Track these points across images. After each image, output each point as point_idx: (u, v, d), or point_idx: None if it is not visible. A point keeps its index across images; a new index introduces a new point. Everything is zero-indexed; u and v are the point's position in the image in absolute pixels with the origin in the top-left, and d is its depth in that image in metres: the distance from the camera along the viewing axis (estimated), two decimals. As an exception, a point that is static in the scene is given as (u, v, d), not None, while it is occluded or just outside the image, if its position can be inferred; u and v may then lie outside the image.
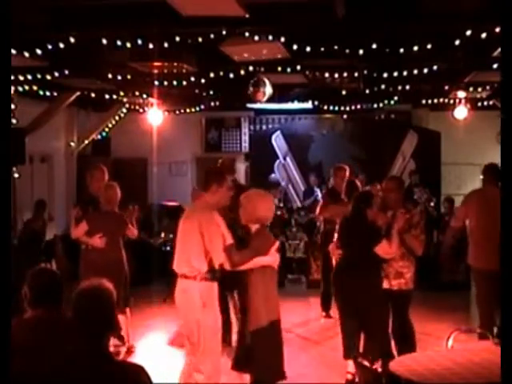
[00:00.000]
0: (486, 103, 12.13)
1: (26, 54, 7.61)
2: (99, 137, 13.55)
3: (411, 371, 3.77)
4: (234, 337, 7.16)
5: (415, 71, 8.89)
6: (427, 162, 12.96)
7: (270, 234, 5.13)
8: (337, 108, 12.65)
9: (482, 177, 7.08)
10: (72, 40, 6.88)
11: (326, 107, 12.58)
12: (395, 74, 9.09)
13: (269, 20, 6.50)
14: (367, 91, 10.65)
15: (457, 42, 7.00)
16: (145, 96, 11.52)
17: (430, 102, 12.24)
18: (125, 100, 12.13)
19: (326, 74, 9.31)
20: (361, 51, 7.54)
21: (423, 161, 12.96)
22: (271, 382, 4.99)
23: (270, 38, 6.96)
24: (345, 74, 9.30)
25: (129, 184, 9.03)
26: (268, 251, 4.93)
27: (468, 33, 6.60)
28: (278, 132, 13.69)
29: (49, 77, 9.13)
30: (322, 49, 7.43)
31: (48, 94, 10.67)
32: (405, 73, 9.03)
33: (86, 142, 13.24)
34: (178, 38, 6.91)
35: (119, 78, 9.47)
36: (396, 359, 4.68)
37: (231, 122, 14.47)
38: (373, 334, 5.81)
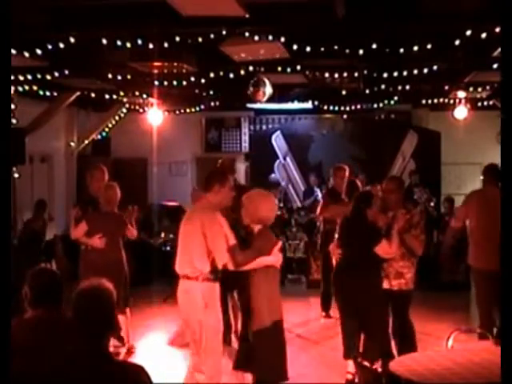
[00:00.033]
0: (486, 103, 12.13)
1: (26, 54, 7.60)
2: (99, 137, 13.55)
3: (411, 371, 3.77)
4: (234, 337, 7.21)
5: (415, 71, 8.89)
6: (427, 162, 12.96)
7: (272, 234, 5.13)
8: (337, 108, 12.65)
9: (482, 177, 7.09)
10: (72, 40, 6.88)
11: (326, 107, 12.58)
12: (395, 74, 9.09)
13: (269, 20, 6.50)
14: (367, 91, 10.65)
15: (457, 42, 7.00)
16: (145, 96, 11.52)
17: (430, 101, 12.24)
18: (125, 100, 12.13)
19: (326, 74, 9.31)
20: (361, 51, 7.54)
21: (423, 161, 12.96)
22: (274, 383, 4.99)
23: (270, 38, 6.96)
24: (345, 74, 9.30)
25: (129, 184, 9.03)
26: (271, 251, 4.93)
27: (468, 33, 6.60)
28: (278, 132, 13.69)
29: (49, 77, 9.13)
30: (322, 49, 7.43)
31: (48, 93, 10.67)
32: (405, 73, 9.03)
33: (86, 142, 13.24)
34: (178, 38, 6.91)
35: (119, 78, 9.47)
36: (396, 359, 4.68)
37: (231, 122, 14.47)
38: (373, 333, 5.81)
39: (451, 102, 11.91)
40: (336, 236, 6.24)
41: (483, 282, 6.52)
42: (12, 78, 8.87)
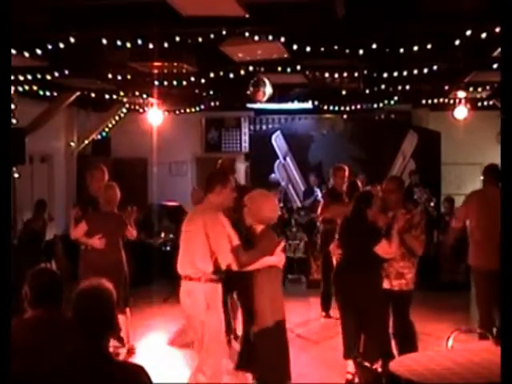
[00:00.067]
0: (486, 103, 12.13)
1: (26, 54, 7.60)
2: (99, 137, 13.55)
3: (411, 371, 3.77)
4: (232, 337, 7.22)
5: (415, 71, 8.89)
6: (427, 162, 12.95)
7: (274, 235, 5.14)
8: (337, 108, 12.64)
9: (482, 177, 7.09)
10: (72, 40, 6.87)
11: (326, 107, 12.57)
12: (395, 74, 9.09)
13: (269, 20, 6.49)
14: (367, 91, 10.64)
15: (457, 42, 7.00)
16: (145, 96, 11.51)
17: (430, 101, 12.23)
18: (125, 100, 12.12)
19: (326, 74, 9.30)
20: (361, 51, 7.54)
21: (423, 161, 12.96)
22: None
23: (270, 38, 6.96)
24: (345, 74, 9.29)
25: (129, 184, 9.03)
26: (274, 251, 4.93)
27: (468, 33, 6.60)
28: (278, 132, 13.68)
29: (49, 77, 9.13)
30: (322, 49, 7.43)
31: (48, 93, 10.67)
32: (405, 73, 9.02)
33: (86, 142, 13.23)
34: (178, 38, 6.91)
35: (119, 78, 9.47)
36: (396, 359, 4.68)
37: (231, 122, 14.46)
38: (372, 333, 5.81)
39: (451, 101, 11.91)
40: (336, 236, 6.25)
41: (483, 281, 6.52)
42: (12, 77, 8.87)
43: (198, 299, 5.01)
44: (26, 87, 9.91)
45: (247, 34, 6.81)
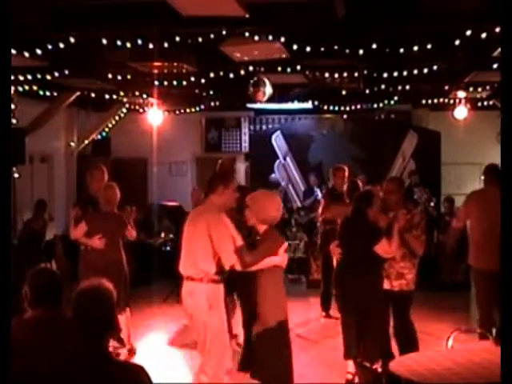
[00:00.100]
0: (486, 103, 12.13)
1: (26, 54, 7.60)
2: (99, 137, 13.55)
3: (411, 371, 3.77)
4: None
5: (415, 71, 8.88)
6: (427, 162, 12.95)
7: (278, 235, 5.14)
8: (337, 108, 12.64)
9: (482, 177, 7.09)
10: (72, 40, 6.87)
11: (326, 107, 12.57)
12: (395, 74, 9.09)
13: (269, 20, 6.49)
14: (367, 91, 10.64)
15: (457, 42, 6.99)
16: (145, 96, 11.51)
17: (430, 101, 12.23)
18: (125, 100, 12.12)
19: (326, 74, 9.30)
20: (361, 51, 7.54)
21: (423, 161, 12.96)
22: None
23: (270, 38, 6.96)
24: (345, 74, 9.29)
25: (129, 184, 9.03)
26: (277, 252, 4.93)
27: (468, 33, 6.60)
28: (278, 132, 13.68)
29: (49, 77, 9.13)
30: (322, 49, 7.42)
31: (48, 93, 10.67)
32: (405, 73, 9.02)
33: (86, 142, 13.23)
34: (178, 38, 6.90)
35: (119, 77, 9.47)
36: (396, 359, 4.68)
37: (231, 122, 14.46)
38: (373, 333, 5.80)
39: (451, 101, 11.91)
40: (337, 236, 6.25)
41: (483, 281, 6.52)
42: (12, 77, 8.87)
43: (200, 300, 5.01)
44: (26, 87, 9.91)
45: (247, 34, 6.81)
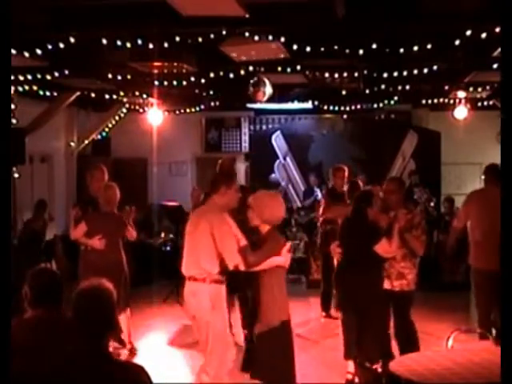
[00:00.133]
0: (486, 103, 12.13)
1: (26, 54, 7.60)
2: (99, 137, 13.55)
3: (411, 371, 3.77)
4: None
5: (415, 71, 8.88)
6: (427, 162, 12.96)
7: (280, 235, 5.14)
8: (337, 108, 12.64)
9: (483, 177, 7.09)
10: (72, 40, 6.87)
11: (326, 107, 12.57)
12: (395, 74, 9.09)
13: (269, 20, 6.49)
14: (367, 91, 10.64)
15: (457, 42, 6.99)
16: (145, 96, 11.51)
17: (430, 101, 12.23)
18: (125, 100, 12.12)
19: (326, 74, 9.30)
20: (361, 51, 7.54)
21: (423, 161, 12.96)
22: None
23: (270, 38, 6.96)
24: (345, 74, 9.29)
25: (129, 184, 9.03)
26: (280, 252, 4.94)
27: (468, 33, 6.59)
28: (278, 132, 13.68)
29: (49, 77, 9.13)
30: (322, 49, 7.42)
31: (48, 93, 10.67)
32: (405, 73, 9.02)
33: (86, 142, 13.23)
34: (178, 38, 6.90)
35: (119, 78, 9.47)
36: (396, 359, 4.68)
37: (231, 122, 14.46)
38: (373, 333, 5.79)
39: (451, 101, 11.91)
40: (337, 236, 6.25)
41: (483, 281, 6.53)
42: (12, 77, 8.87)
43: (203, 300, 5.01)
44: (26, 87, 9.90)
45: (247, 34, 6.81)
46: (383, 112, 13.44)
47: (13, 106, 9.55)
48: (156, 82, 9.72)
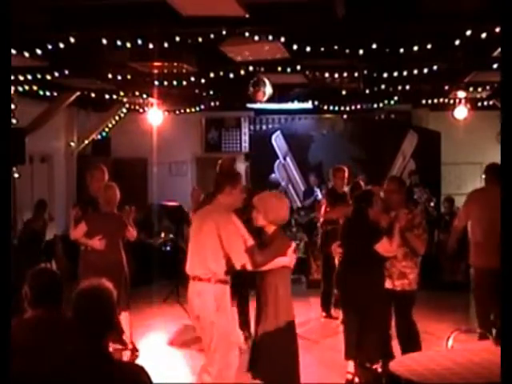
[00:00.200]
0: (486, 103, 12.13)
1: (26, 54, 7.60)
2: (99, 137, 13.54)
3: (411, 371, 3.77)
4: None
5: (415, 71, 8.88)
6: (427, 162, 12.95)
7: (285, 235, 5.14)
8: (337, 108, 12.64)
9: (483, 176, 7.10)
10: (72, 40, 6.87)
11: (326, 107, 12.57)
12: (395, 74, 9.09)
13: (269, 20, 6.49)
14: (367, 91, 10.64)
15: (457, 42, 6.99)
16: (145, 96, 11.51)
17: (430, 101, 12.23)
18: (125, 100, 12.12)
19: (326, 74, 9.30)
20: (361, 51, 7.54)
21: (423, 161, 12.95)
22: None
23: (270, 38, 6.95)
24: (345, 74, 9.29)
25: (129, 184, 9.03)
26: (286, 252, 4.93)
27: (468, 33, 6.60)
28: (278, 132, 13.68)
29: (49, 77, 9.13)
30: (322, 49, 7.42)
31: (48, 93, 10.67)
32: (405, 73, 9.02)
33: (86, 142, 13.23)
34: (178, 38, 6.90)
35: (119, 78, 9.47)
36: (396, 359, 4.68)
37: (231, 122, 14.46)
38: (373, 333, 5.78)
39: (451, 101, 11.91)
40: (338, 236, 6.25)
41: (483, 280, 6.53)
42: (12, 77, 8.87)
43: (208, 300, 4.99)
44: (26, 87, 9.90)
45: (247, 34, 6.81)
46: (383, 112, 13.44)
47: (13, 106, 9.55)
48: (156, 82, 9.72)
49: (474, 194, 6.98)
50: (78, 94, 11.20)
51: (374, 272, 5.81)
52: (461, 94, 11.18)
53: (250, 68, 8.74)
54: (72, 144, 13.04)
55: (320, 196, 11.57)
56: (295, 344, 4.96)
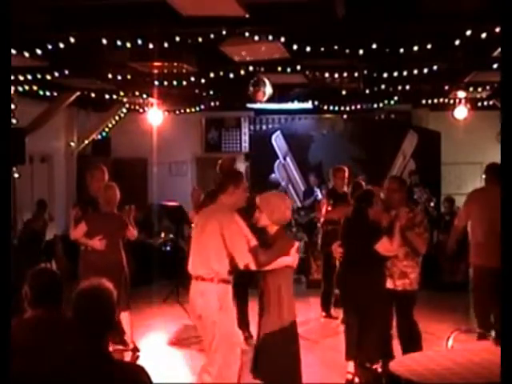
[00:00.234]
0: (486, 103, 12.13)
1: (26, 54, 7.60)
2: (99, 137, 13.55)
3: (411, 371, 3.77)
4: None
5: (415, 71, 8.89)
6: (427, 162, 12.95)
7: (288, 235, 5.13)
8: (337, 108, 12.64)
9: (484, 175, 7.10)
10: (72, 40, 6.87)
11: (326, 107, 12.57)
12: (395, 74, 9.09)
13: (269, 20, 6.49)
14: (367, 91, 10.64)
15: (457, 42, 7.00)
16: (145, 96, 11.51)
17: (430, 101, 12.23)
18: (125, 100, 12.12)
19: (326, 74, 9.30)
20: (361, 51, 7.54)
21: (423, 161, 12.95)
22: None
23: (270, 38, 6.96)
24: (345, 74, 9.29)
25: (129, 184, 9.03)
26: (289, 252, 4.93)
27: (468, 33, 6.60)
28: (278, 132, 13.68)
29: (49, 77, 9.13)
30: (322, 49, 7.42)
31: (48, 93, 10.67)
32: (405, 73, 9.02)
33: (86, 142, 13.23)
34: (178, 38, 6.90)
35: (119, 77, 9.47)
36: (396, 359, 4.68)
37: (231, 122, 14.46)
38: (373, 333, 5.78)
39: (451, 101, 11.91)
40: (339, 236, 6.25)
41: (483, 279, 6.53)
42: (12, 77, 8.87)
43: (211, 300, 4.99)
44: (26, 87, 9.91)
45: (247, 34, 6.81)
46: (383, 112, 13.44)
47: (13, 106, 9.55)
48: (156, 82, 9.72)
49: (474, 193, 6.99)
50: (78, 93, 11.20)
51: (374, 272, 5.81)
52: (461, 93, 11.18)
53: (250, 68, 8.74)
54: (72, 144, 13.04)
55: (320, 196, 11.57)
56: (297, 344, 4.96)
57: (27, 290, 3.57)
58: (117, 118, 13.25)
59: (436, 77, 9.32)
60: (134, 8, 6.27)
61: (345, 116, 13.41)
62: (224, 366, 5.06)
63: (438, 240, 11.28)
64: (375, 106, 12.47)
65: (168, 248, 12.08)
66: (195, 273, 5.11)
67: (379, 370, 5.56)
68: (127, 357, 6.78)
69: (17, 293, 3.64)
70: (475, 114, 12.23)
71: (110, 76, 9.39)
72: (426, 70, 8.79)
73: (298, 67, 8.77)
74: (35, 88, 10.10)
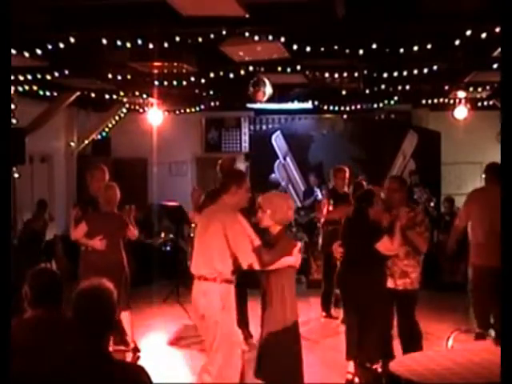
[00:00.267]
0: (486, 103, 12.13)
1: (26, 54, 7.60)
2: (99, 137, 13.55)
3: (411, 371, 3.77)
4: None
5: (415, 71, 8.89)
6: (427, 162, 12.95)
7: (288, 235, 5.14)
8: (337, 108, 12.64)
9: (484, 175, 7.10)
10: (72, 40, 6.87)
11: (326, 107, 12.57)
12: (395, 74, 9.09)
13: (269, 20, 6.49)
14: (367, 91, 10.64)
15: (457, 42, 7.00)
16: (145, 96, 11.51)
17: (430, 101, 12.23)
18: (125, 100, 12.12)
19: (326, 74, 9.30)
20: (361, 51, 7.54)
21: (423, 161, 12.95)
22: None
23: (270, 38, 6.96)
24: (345, 74, 9.29)
25: (129, 184, 9.02)
26: (292, 252, 4.94)
27: (468, 33, 6.60)
28: (278, 132, 13.68)
29: (49, 77, 9.13)
30: (322, 49, 7.43)
31: (48, 93, 10.67)
32: (405, 73, 9.02)
33: (86, 142, 13.23)
34: (178, 38, 6.90)
35: (119, 77, 9.47)
36: (396, 359, 4.68)
37: (231, 122, 14.46)
38: (374, 333, 5.78)
39: (451, 101, 11.91)
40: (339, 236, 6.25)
41: (483, 279, 6.53)
42: (12, 77, 8.87)
43: (214, 300, 4.99)
44: (26, 87, 9.90)
45: (247, 34, 6.81)
46: (383, 112, 13.43)
47: (13, 106, 9.55)
48: (156, 82, 9.72)
49: (475, 193, 6.99)
50: (78, 93, 11.20)
51: (374, 271, 5.81)
52: (461, 93, 11.18)
53: (250, 68, 8.74)
54: (72, 144, 13.04)
55: (320, 196, 11.56)
56: (299, 344, 4.96)
57: (27, 289, 3.57)
58: (117, 117, 13.25)
59: (436, 77, 9.32)
60: (134, 8, 6.27)
61: (345, 116, 13.41)
62: (224, 365, 5.05)
63: (438, 240, 11.27)
64: (375, 106, 12.47)
65: (168, 248, 12.08)
66: (198, 273, 5.11)
67: (379, 370, 5.56)
68: (128, 357, 6.78)
69: (17, 293, 3.64)
70: (475, 114, 12.23)
71: (110, 76, 9.39)
72: (426, 70, 8.79)
73: (298, 67, 8.77)
74: (35, 88, 10.10)
